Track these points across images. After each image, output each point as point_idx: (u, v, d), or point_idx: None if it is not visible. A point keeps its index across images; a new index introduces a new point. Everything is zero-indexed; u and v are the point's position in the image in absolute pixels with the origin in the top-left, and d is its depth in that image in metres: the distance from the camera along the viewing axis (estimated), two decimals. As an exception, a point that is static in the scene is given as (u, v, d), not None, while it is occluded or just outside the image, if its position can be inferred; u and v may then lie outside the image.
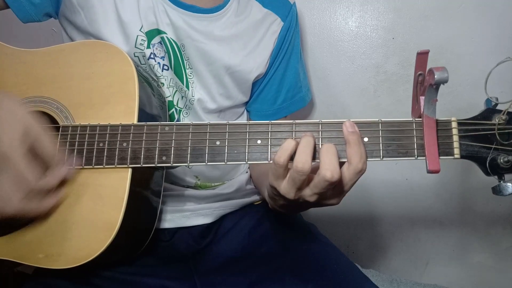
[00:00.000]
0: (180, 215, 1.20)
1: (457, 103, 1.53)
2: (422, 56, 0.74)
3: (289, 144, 0.76)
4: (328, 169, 0.73)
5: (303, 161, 0.74)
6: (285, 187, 0.79)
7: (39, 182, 0.82)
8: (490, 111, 0.76)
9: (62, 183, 0.89)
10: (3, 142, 0.78)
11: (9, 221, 0.83)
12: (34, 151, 0.82)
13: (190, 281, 1.07)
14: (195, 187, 1.24)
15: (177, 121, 1.17)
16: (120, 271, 1.04)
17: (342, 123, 0.80)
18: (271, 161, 0.81)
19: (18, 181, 0.79)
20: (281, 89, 1.32)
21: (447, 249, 1.73)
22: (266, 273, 1.03)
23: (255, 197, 1.33)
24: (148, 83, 1.01)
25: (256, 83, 1.30)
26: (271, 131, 0.82)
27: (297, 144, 0.77)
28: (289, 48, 1.30)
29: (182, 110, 1.17)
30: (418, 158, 0.77)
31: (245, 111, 1.38)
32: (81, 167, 0.90)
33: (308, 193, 0.79)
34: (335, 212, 1.79)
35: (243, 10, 1.23)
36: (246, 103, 1.36)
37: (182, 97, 1.17)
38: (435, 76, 0.68)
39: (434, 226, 1.72)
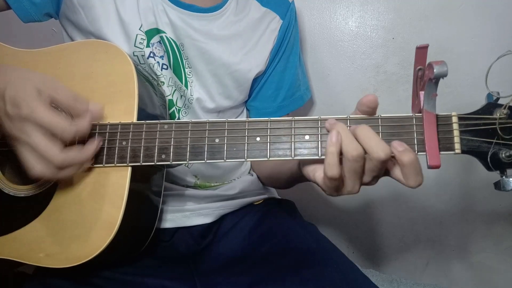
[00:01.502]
0: (180, 215, 1.20)
1: (457, 103, 1.53)
2: (422, 51, 0.74)
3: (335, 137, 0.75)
4: (379, 150, 0.73)
5: (353, 147, 0.74)
6: (349, 184, 0.78)
7: (71, 128, 0.81)
8: (491, 105, 0.76)
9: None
10: (23, 106, 0.79)
11: (53, 177, 0.84)
12: (55, 107, 0.83)
13: (190, 281, 1.07)
14: (195, 186, 1.25)
15: (177, 120, 1.17)
16: (120, 271, 1.04)
17: (340, 119, 0.80)
18: (270, 158, 0.81)
19: (50, 134, 0.80)
20: (281, 86, 1.33)
21: (447, 249, 1.73)
22: (266, 273, 1.03)
23: (256, 197, 1.33)
24: (149, 82, 1.01)
25: (255, 81, 1.30)
26: (270, 128, 0.82)
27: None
28: (288, 45, 1.31)
29: (181, 109, 1.18)
30: (419, 153, 0.76)
31: (245, 110, 1.38)
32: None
33: (368, 179, 0.78)
34: (335, 212, 1.80)
35: (242, 9, 1.23)
36: (246, 102, 1.37)
37: (181, 96, 1.17)
38: (434, 70, 0.68)
39: (434, 226, 1.71)
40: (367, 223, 1.78)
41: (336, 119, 0.80)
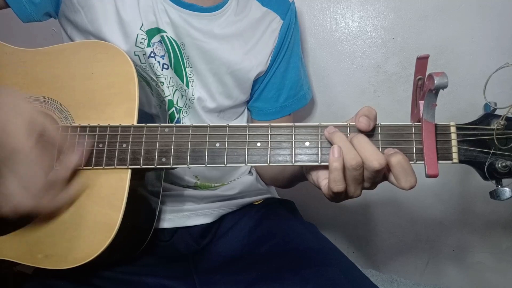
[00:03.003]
0: (180, 215, 1.21)
1: (457, 103, 1.53)
2: (422, 61, 0.74)
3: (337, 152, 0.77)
4: (373, 160, 0.74)
5: (352, 156, 0.76)
6: (350, 190, 0.80)
7: (51, 174, 0.82)
8: (489, 116, 0.77)
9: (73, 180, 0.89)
10: (11, 137, 0.79)
11: (21, 218, 0.83)
12: (42, 144, 0.82)
13: (189, 281, 1.06)
14: (195, 187, 1.25)
15: (177, 120, 1.17)
16: (120, 270, 1.05)
17: (340, 125, 0.81)
18: (270, 164, 0.82)
19: (32, 173, 0.80)
20: (283, 86, 1.33)
21: (447, 249, 1.73)
22: (265, 273, 1.03)
23: (256, 197, 1.33)
24: (146, 82, 1.01)
25: (257, 82, 1.30)
26: (270, 134, 0.83)
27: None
28: (289, 46, 1.31)
29: (182, 109, 1.18)
30: (417, 162, 0.77)
31: (246, 111, 1.38)
32: (80, 167, 0.90)
33: (367, 185, 0.81)
34: (335, 212, 1.80)
35: (243, 9, 1.23)
36: (247, 102, 1.37)
37: (182, 96, 1.17)
38: (435, 82, 0.68)
39: (434, 226, 1.72)
40: (367, 223, 1.79)
41: (335, 126, 0.80)
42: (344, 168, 0.77)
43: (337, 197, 0.82)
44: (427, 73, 0.73)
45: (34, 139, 0.80)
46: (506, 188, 0.75)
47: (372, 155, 0.75)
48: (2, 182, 0.80)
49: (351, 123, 0.81)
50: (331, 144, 0.79)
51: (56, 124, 0.93)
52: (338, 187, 0.78)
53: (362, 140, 0.77)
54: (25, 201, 0.80)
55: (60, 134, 0.87)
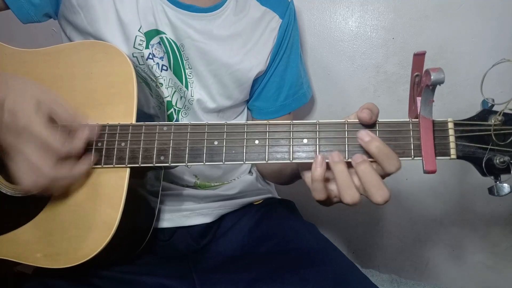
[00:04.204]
0: (180, 215, 1.21)
1: (457, 103, 1.53)
2: (419, 57, 0.74)
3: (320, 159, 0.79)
4: (378, 197, 0.76)
5: (351, 194, 0.78)
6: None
7: (65, 146, 0.83)
8: (486, 112, 0.77)
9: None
10: (20, 117, 0.80)
11: (43, 192, 0.85)
12: (53, 120, 0.84)
13: (189, 280, 1.06)
14: (195, 186, 1.25)
15: (175, 121, 1.17)
16: (119, 270, 1.04)
17: (339, 123, 0.81)
18: (268, 161, 0.82)
19: (44, 149, 0.81)
20: (282, 86, 1.32)
21: (447, 249, 1.73)
22: (265, 272, 1.03)
23: (256, 197, 1.33)
24: (146, 83, 1.01)
25: (257, 81, 1.30)
26: (268, 131, 0.83)
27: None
28: (288, 44, 1.30)
29: (181, 110, 1.18)
30: (415, 158, 0.77)
31: (245, 110, 1.38)
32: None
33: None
34: (335, 212, 1.80)
35: (241, 8, 1.23)
36: (247, 101, 1.37)
37: (181, 97, 1.17)
38: (431, 77, 0.68)
39: (434, 226, 1.72)
40: (367, 223, 1.78)
41: (334, 124, 0.81)
42: (324, 179, 0.79)
43: (322, 203, 0.83)
44: (424, 69, 0.73)
45: (44, 116, 0.82)
46: (504, 184, 0.75)
47: (378, 191, 0.76)
48: (18, 160, 0.82)
49: (349, 121, 0.81)
50: (329, 143, 0.80)
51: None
52: (320, 196, 0.80)
53: (367, 172, 0.76)
54: (41, 175, 0.81)
55: (72, 113, 0.87)
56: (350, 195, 0.77)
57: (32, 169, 0.81)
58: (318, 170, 0.78)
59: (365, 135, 0.77)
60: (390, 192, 0.76)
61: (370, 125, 0.80)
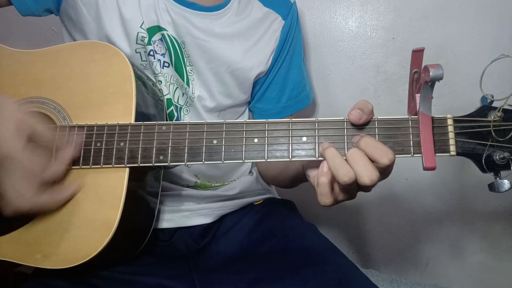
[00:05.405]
0: (180, 215, 1.20)
1: (457, 103, 1.53)
2: (417, 54, 0.74)
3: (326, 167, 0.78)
4: (364, 175, 0.74)
5: (344, 172, 0.75)
6: (345, 196, 0.82)
7: (46, 172, 0.83)
8: (486, 108, 0.77)
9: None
10: (1, 145, 0.80)
11: (23, 217, 0.86)
12: (34, 144, 0.83)
13: (189, 280, 1.06)
14: (195, 186, 1.24)
15: (176, 118, 1.18)
16: (119, 270, 1.04)
17: (337, 120, 0.82)
18: (268, 160, 0.82)
19: (26, 176, 0.81)
20: (285, 87, 1.32)
21: (447, 249, 1.73)
22: (265, 272, 1.03)
23: (256, 197, 1.33)
24: (142, 82, 1.01)
25: (258, 82, 1.30)
26: (267, 130, 0.83)
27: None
28: (291, 46, 1.30)
29: (183, 107, 1.18)
30: (414, 155, 0.77)
31: (247, 111, 1.38)
32: (78, 167, 0.90)
33: (366, 190, 0.81)
34: (335, 213, 1.80)
35: (244, 9, 1.24)
36: (248, 102, 1.37)
37: (183, 94, 1.18)
38: (430, 73, 0.68)
39: (434, 226, 1.71)
40: (367, 223, 1.78)
41: (332, 121, 0.81)
42: (332, 183, 0.79)
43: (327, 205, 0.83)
44: (422, 66, 0.73)
45: (24, 141, 0.81)
46: (504, 180, 0.75)
47: (363, 170, 0.74)
48: (2, 187, 0.82)
49: (347, 118, 0.81)
50: (328, 141, 0.81)
51: (53, 124, 0.93)
52: (325, 201, 0.80)
53: (355, 154, 0.76)
54: (23, 203, 0.82)
55: (54, 133, 0.88)
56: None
57: (16, 196, 0.81)
58: (324, 174, 0.78)
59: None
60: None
61: (362, 125, 0.81)
